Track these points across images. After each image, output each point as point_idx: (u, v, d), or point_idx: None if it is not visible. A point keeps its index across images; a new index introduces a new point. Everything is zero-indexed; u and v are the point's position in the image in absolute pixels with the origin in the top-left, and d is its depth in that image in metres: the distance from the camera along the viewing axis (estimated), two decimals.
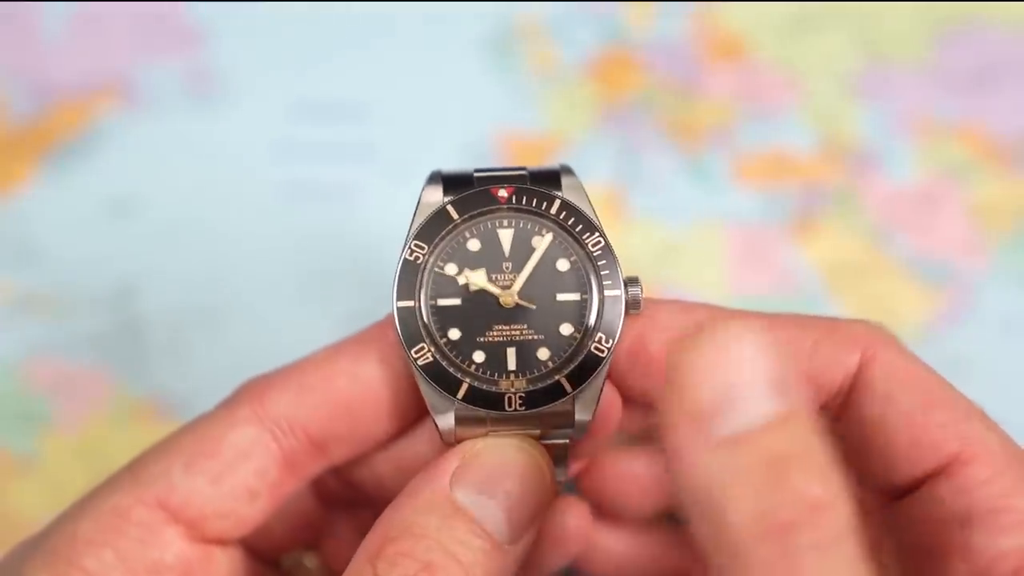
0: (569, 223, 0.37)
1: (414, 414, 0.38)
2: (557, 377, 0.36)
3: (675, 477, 0.27)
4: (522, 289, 0.37)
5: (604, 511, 0.43)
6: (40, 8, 0.58)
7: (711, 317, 0.36)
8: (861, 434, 0.36)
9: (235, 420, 0.36)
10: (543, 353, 0.36)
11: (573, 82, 0.57)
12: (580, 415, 0.36)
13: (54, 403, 0.54)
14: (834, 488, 0.26)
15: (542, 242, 0.37)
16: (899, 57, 0.58)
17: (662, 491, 0.43)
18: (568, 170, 0.38)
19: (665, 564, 0.45)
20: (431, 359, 0.36)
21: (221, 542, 0.37)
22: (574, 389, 0.36)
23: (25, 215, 0.55)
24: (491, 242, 0.37)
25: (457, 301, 0.36)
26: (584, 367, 0.36)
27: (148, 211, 0.55)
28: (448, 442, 0.36)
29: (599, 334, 0.36)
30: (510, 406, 0.36)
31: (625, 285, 0.36)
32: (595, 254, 0.37)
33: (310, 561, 0.42)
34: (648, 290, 0.37)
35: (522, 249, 0.37)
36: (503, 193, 0.37)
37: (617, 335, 0.36)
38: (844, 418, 0.36)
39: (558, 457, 0.37)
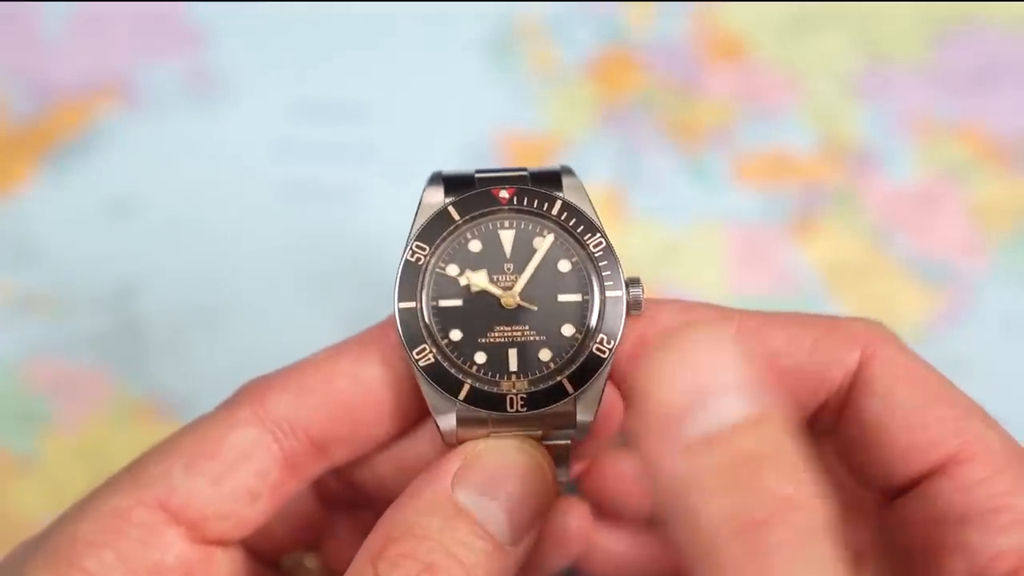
0: (570, 224, 0.37)
1: (415, 415, 0.38)
2: (559, 378, 0.36)
3: (649, 479, 0.27)
4: (523, 290, 0.37)
5: (605, 512, 0.44)
6: (40, 8, 0.58)
7: (685, 322, 0.36)
8: (861, 432, 0.36)
9: (236, 421, 0.36)
10: (545, 354, 0.36)
11: (573, 82, 0.57)
12: (582, 416, 0.36)
13: (54, 403, 0.54)
14: (807, 488, 0.26)
15: (543, 243, 0.37)
16: (899, 57, 0.58)
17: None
18: (569, 171, 0.38)
19: (665, 564, 0.45)
20: (432, 360, 0.36)
21: (222, 543, 0.37)
22: (576, 390, 0.36)
23: (25, 215, 0.55)
24: (492, 243, 0.37)
25: (458, 302, 0.36)
26: (586, 368, 0.36)
27: (148, 211, 0.55)
28: (450, 443, 0.36)
29: (601, 335, 0.36)
30: (512, 407, 0.36)
31: (627, 286, 0.36)
32: (596, 255, 0.37)
33: (311, 562, 0.42)
34: (648, 290, 0.37)
35: (523, 250, 0.37)
36: (504, 194, 0.37)
37: (619, 336, 0.36)
38: (844, 416, 0.36)
39: (559, 458, 0.37)
